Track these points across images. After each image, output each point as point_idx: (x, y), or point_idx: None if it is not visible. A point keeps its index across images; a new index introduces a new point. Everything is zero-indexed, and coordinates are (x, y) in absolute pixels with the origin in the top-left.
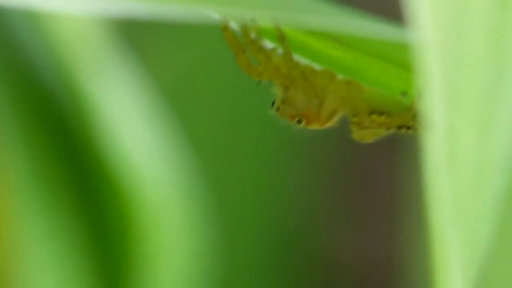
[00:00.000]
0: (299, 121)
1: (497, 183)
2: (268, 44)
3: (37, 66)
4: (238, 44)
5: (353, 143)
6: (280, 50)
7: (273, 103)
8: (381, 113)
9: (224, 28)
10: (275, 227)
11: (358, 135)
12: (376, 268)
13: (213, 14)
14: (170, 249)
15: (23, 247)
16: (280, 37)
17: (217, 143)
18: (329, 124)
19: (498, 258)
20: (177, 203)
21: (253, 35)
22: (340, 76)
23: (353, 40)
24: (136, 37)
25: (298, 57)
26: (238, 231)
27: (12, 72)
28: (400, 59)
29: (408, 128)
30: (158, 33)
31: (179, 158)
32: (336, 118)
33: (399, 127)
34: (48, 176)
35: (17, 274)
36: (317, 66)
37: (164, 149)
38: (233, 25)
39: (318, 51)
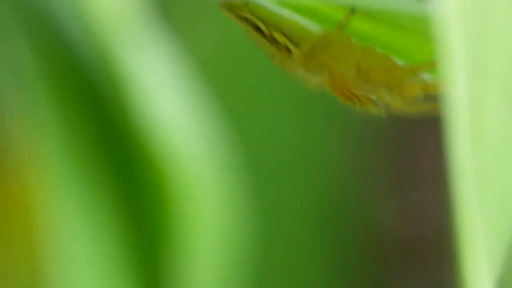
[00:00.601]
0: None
1: None
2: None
3: (72, 40)
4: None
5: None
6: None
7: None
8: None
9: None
10: (319, 196)
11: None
12: (422, 239)
13: None
14: (208, 224)
15: (57, 226)
16: (341, 25)
17: (256, 115)
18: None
19: None
20: (216, 178)
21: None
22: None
23: (381, 15)
24: (172, 11)
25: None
26: (279, 204)
27: (48, 45)
28: (428, 32)
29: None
30: (194, 7)
31: (217, 132)
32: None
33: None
34: (84, 153)
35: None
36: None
37: (201, 122)
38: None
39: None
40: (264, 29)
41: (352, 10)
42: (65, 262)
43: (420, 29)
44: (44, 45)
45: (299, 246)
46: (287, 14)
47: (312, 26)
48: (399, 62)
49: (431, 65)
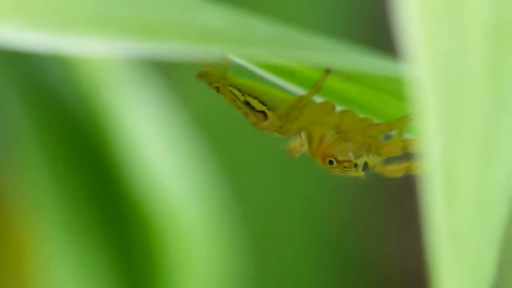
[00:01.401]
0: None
1: (498, 214)
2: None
3: (64, 96)
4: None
5: None
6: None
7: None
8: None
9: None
10: (316, 233)
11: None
12: (423, 272)
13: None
14: (201, 263)
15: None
16: (317, 85)
17: (253, 151)
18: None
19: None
20: (209, 219)
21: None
22: (337, 108)
23: (356, 74)
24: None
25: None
26: (277, 242)
27: (40, 102)
28: (403, 92)
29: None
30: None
31: (209, 177)
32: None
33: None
34: (75, 199)
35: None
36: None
37: (193, 170)
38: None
39: (324, 85)
40: (238, 95)
41: (327, 70)
42: None
43: (393, 88)
44: (35, 98)
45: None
46: (263, 78)
47: (287, 88)
48: (376, 121)
49: (405, 121)
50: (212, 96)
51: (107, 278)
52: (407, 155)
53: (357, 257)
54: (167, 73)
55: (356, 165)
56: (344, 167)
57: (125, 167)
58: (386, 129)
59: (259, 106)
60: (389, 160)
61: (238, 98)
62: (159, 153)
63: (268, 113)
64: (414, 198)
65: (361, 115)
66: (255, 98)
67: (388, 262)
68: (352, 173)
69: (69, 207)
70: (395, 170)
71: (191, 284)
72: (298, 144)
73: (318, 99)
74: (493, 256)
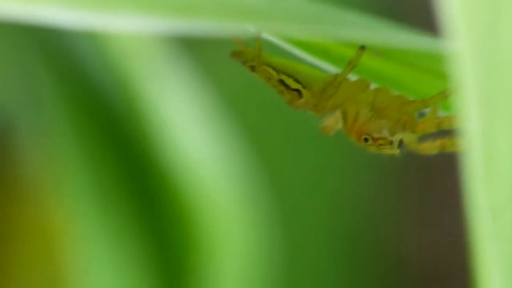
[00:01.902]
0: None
1: None
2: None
3: (97, 78)
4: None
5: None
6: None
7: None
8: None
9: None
10: (341, 225)
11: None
12: (442, 265)
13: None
14: (231, 252)
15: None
16: (352, 63)
17: (281, 150)
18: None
19: None
20: (240, 207)
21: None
22: (372, 85)
23: (391, 51)
24: (197, 45)
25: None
26: (302, 232)
27: (73, 85)
28: (438, 69)
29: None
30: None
31: (243, 164)
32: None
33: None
34: (109, 187)
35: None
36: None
37: (226, 153)
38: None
39: (359, 63)
40: (273, 74)
41: (362, 48)
42: None
43: (428, 65)
44: (67, 79)
45: (322, 276)
46: (297, 56)
47: (321, 67)
48: (411, 98)
49: (440, 98)
50: (244, 75)
51: (140, 263)
52: (441, 133)
53: (377, 249)
54: (198, 51)
55: (391, 142)
56: (380, 144)
57: (158, 149)
58: (421, 106)
59: (294, 84)
60: (423, 138)
61: (272, 76)
62: (192, 134)
63: (303, 91)
64: (435, 193)
65: (396, 93)
66: (289, 76)
67: (407, 255)
68: (388, 150)
69: (102, 192)
70: (430, 148)
71: (224, 268)
72: (333, 121)
73: (352, 76)
74: None
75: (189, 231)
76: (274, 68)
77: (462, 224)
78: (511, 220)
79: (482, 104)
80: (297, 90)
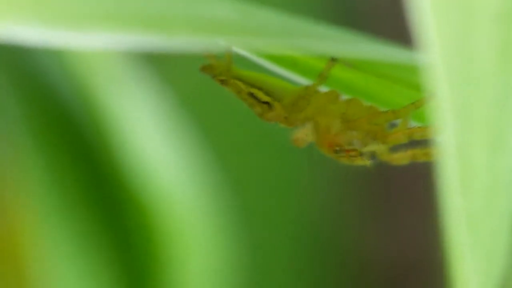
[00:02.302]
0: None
1: (509, 199)
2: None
3: (60, 92)
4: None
5: None
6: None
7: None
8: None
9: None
10: (306, 231)
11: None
12: (407, 267)
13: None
14: (195, 255)
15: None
16: (323, 75)
17: (242, 151)
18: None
19: None
20: (204, 214)
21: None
22: (343, 96)
23: (363, 63)
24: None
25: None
26: (266, 238)
27: (37, 98)
28: (410, 80)
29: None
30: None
31: (207, 171)
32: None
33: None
34: (70, 193)
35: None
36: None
37: (192, 162)
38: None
39: (330, 75)
40: (243, 87)
41: (333, 60)
42: None
43: (401, 76)
44: (32, 93)
45: (287, 282)
46: (268, 69)
47: (293, 79)
48: (382, 109)
49: (411, 109)
50: (211, 87)
51: (105, 270)
52: (413, 143)
53: (335, 245)
54: (163, 64)
55: (362, 154)
56: (351, 155)
57: (121, 158)
58: (392, 116)
59: (264, 97)
60: (394, 148)
61: (242, 90)
62: (155, 144)
63: (274, 103)
64: (392, 188)
65: (367, 103)
66: (260, 89)
67: (365, 250)
68: (359, 161)
69: (66, 201)
70: (401, 158)
71: (188, 271)
72: (304, 133)
73: (323, 88)
74: (507, 241)
75: (152, 236)
76: (244, 82)
77: (426, 230)
78: (486, 228)
79: (456, 114)
80: (268, 103)
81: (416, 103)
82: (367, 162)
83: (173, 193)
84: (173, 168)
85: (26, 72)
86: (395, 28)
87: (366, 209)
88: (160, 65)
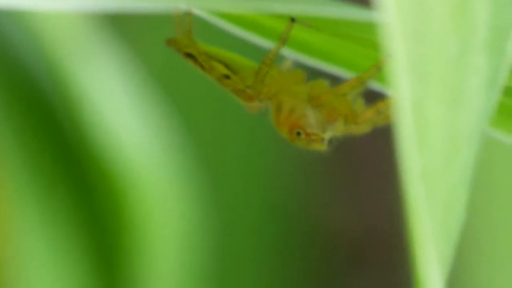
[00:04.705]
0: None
1: (468, 156)
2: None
3: (25, 61)
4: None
5: None
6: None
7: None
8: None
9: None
10: (273, 203)
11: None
12: (375, 236)
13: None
14: (166, 236)
15: (19, 245)
16: (282, 37)
17: (211, 130)
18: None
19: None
20: (171, 191)
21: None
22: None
23: (321, 23)
24: (123, 24)
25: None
26: (235, 213)
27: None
28: (369, 39)
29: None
30: (145, 20)
31: (173, 147)
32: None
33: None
34: (41, 171)
35: (13, 274)
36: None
37: (158, 137)
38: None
39: (290, 36)
40: (205, 61)
41: (292, 20)
42: (26, 276)
43: (360, 36)
44: None
45: (256, 255)
46: (228, 30)
47: (252, 40)
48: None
49: (374, 71)
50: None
51: (76, 251)
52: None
53: (301, 217)
54: (127, 28)
55: (323, 139)
56: (311, 139)
57: (88, 130)
58: (357, 83)
59: (223, 70)
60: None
61: (205, 63)
62: (123, 116)
63: (232, 76)
64: (356, 158)
65: (330, 87)
66: (220, 62)
67: (331, 221)
68: (317, 146)
69: (35, 177)
70: (362, 127)
71: (159, 252)
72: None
73: (288, 69)
74: (464, 199)
75: (124, 217)
76: (206, 55)
77: (392, 198)
78: (443, 186)
79: (412, 72)
80: (227, 76)
81: (378, 64)
82: (324, 147)
83: (142, 166)
84: (142, 141)
85: None
86: None
87: (331, 180)
88: (126, 30)
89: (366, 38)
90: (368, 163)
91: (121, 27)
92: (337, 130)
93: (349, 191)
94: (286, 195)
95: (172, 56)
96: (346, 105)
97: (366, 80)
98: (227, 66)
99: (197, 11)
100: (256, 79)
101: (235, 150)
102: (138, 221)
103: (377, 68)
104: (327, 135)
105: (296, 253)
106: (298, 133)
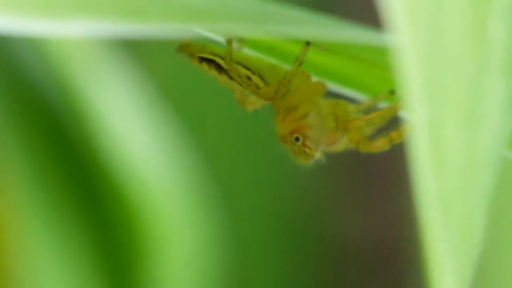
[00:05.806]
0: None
1: (486, 178)
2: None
3: (39, 84)
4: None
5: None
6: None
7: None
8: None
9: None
10: (286, 216)
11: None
12: (386, 249)
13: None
14: (177, 246)
15: (26, 253)
16: (298, 60)
17: (223, 143)
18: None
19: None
20: (185, 203)
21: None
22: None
23: (335, 46)
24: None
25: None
26: (247, 221)
27: (15, 89)
28: (384, 62)
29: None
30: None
31: (185, 159)
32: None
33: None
34: (52, 185)
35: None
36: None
37: (169, 150)
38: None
39: (306, 59)
40: (224, 65)
41: (308, 44)
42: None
43: (375, 59)
44: (5, 79)
45: (269, 266)
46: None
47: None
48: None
49: (392, 94)
50: (188, 73)
51: (86, 262)
52: (387, 127)
53: (315, 231)
54: (140, 51)
55: (313, 156)
56: (303, 151)
57: (102, 148)
58: (389, 114)
59: (244, 71)
60: (372, 136)
61: (222, 66)
62: (136, 134)
63: (253, 76)
64: (370, 172)
65: (352, 108)
66: (238, 64)
67: (345, 234)
68: (303, 159)
69: (46, 193)
70: (381, 145)
71: (171, 262)
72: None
73: (313, 78)
74: (482, 221)
75: (134, 228)
76: (222, 58)
77: (406, 209)
78: (460, 210)
79: (427, 94)
80: (248, 77)
81: (394, 87)
82: (307, 163)
83: (154, 182)
84: (153, 155)
85: (3, 62)
86: (367, 10)
87: (343, 192)
88: (137, 52)
89: (381, 61)
90: (381, 175)
91: (132, 47)
92: (331, 150)
93: (361, 203)
94: (299, 207)
95: (183, 72)
96: (361, 134)
97: (397, 111)
98: (245, 67)
99: (212, 35)
100: (275, 96)
101: (247, 162)
102: (148, 233)
103: (392, 93)
104: (318, 155)
105: (308, 263)
106: (297, 139)
